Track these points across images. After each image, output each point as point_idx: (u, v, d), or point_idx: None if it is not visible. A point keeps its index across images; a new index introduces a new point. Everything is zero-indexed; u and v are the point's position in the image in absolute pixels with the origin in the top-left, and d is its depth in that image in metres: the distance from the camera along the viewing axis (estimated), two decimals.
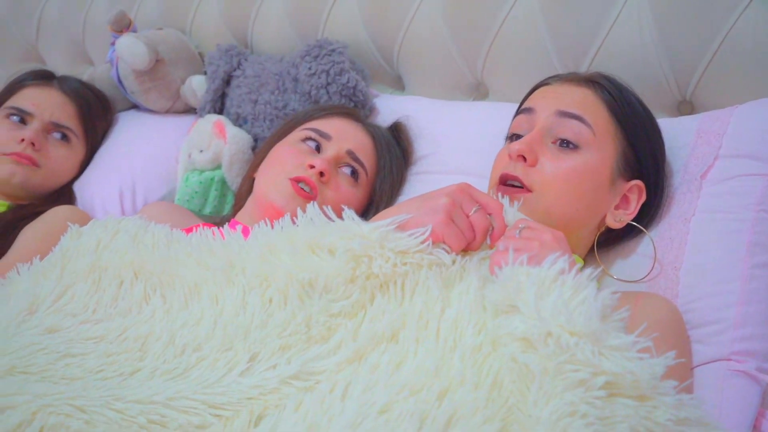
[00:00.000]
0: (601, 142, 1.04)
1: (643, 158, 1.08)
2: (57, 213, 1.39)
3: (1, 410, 0.82)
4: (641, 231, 1.09)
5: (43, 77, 1.64)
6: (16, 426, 0.80)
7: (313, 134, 1.30)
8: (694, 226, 1.06)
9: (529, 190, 1.02)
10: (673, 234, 1.07)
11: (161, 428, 0.82)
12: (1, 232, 1.34)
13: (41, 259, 1.05)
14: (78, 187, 1.59)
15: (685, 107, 1.30)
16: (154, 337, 0.91)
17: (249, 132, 1.57)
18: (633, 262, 1.09)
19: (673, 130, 1.18)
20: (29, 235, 1.31)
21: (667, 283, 1.04)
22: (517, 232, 0.87)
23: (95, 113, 1.65)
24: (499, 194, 1.00)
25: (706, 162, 1.11)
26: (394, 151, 1.37)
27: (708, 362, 0.97)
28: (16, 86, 1.61)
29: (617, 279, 1.08)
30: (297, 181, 1.22)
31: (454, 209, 0.87)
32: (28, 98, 1.56)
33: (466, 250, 0.90)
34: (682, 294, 1.02)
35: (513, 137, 1.11)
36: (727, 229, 1.05)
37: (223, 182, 1.54)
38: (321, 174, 1.23)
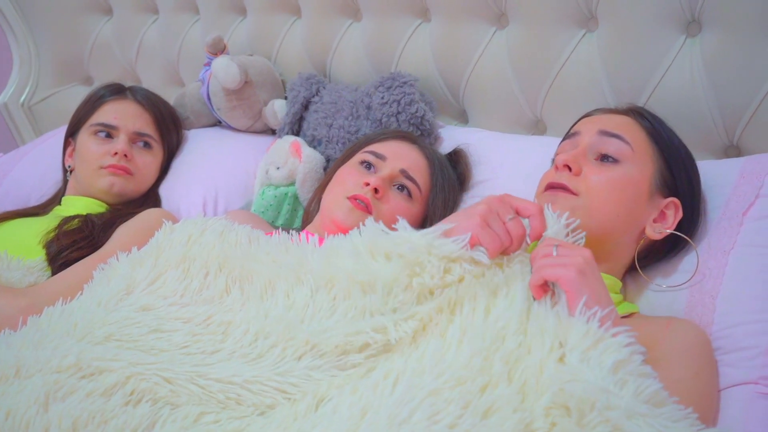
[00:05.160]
0: (639, 158, 1.14)
1: (679, 179, 1.16)
2: (150, 213, 1.53)
3: (100, 371, 0.95)
4: (681, 249, 1.17)
5: (117, 91, 1.73)
6: (111, 386, 0.93)
7: (370, 157, 1.41)
8: (733, 259, 1.12)
9: (575, 194, 1.11)
10: (712, 265, 1.13)
11: (237, 404, 0.94)
12: (102, 228, 1.47)
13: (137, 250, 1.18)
14: (165, 193, 1.72)
15: (732, 151, 1.36)
16: (234, 325, 1.02)
17: (323, 153, 1.69)
18: (674, 279, 1.16)
19: (718, 169, 1.25)
20: (125, 230, 1.45)
21: (704, 311, 1.10)
22: (554, 249, 0.92)
23: (167, 116, 1.77)
24: (546, 206, 1.03)
25: (747, 200, 1.18)
26: (447, 171, 1.47)
27: (736, 385, 1.02)
28: (95, 103, 1.70)
29: (665, 287, 1.15)
30: (354, 198, 1.34)
31: (490, 215, 0.94)
32: (110, 113, 1.67)
33: (503, 254, 0.97)
34: (717, 321, 1.08)
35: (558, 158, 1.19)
36: (766, 262, 1.11)
37: (295, 197, 1.66)
38: (375, 191, 1.34)
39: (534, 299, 0.94)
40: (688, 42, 1.35)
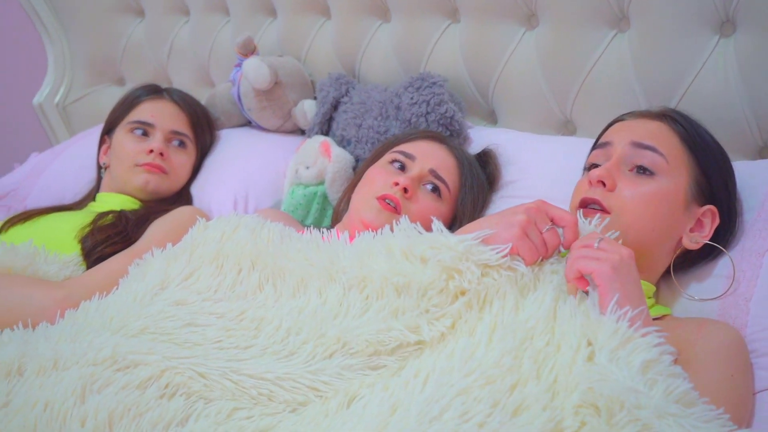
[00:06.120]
0: (674, 169, 1.12)
1: (715, 185, 1.14)
2: (184, 211, 1.55)
3: (135, 365, 0.97)
4: (717, 255, 1.15)
5: (154, 91, 1.77)
6: (146, 379, 0.95)
7: (399, 156, 1.42)
8: None
9: (608, 212, 1.09)
10: (746, 267, 1.12)
11: (269, 400, 0.95)
12: (135, 224, 1.50)
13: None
14: (196, 191, 1.75)
15: (766, 152, 1.35)
16: (267, 321, 1.04)
17: (352, 153, 1.70)
18: (708, 284, 1.15)
19: (752, 170, 1.24)
20: (160, 227, 1.47)
21: (738, 313, 1.09)
22: (596, 242, 0.93)
23: (201, 117, 1.80)
24: (579, 212, 1.06)
25: None
26: (476, 171, 1.47)
27: None
28: (132, 102, 1.74)
29: (697, 299, 1.14)
30: (383, 198, 1.34)
31: (530, 226, 0.96)
32: (147, 111, 1.70)
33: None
34: (751, 324, 1.07)
35: (591, 167, 1.19)
36: None
37: (324, 197, 1.67)
38: (405, 190, 1.34)
39: (568, 293, 0.94)
40: (721, 42, 1.33)
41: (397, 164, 1.41)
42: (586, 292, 0.93)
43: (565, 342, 0.88)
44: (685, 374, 0.82)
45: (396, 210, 1.33)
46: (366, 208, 1.36)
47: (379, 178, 1.39)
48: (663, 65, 1.39)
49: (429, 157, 1.42)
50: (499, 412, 0.81)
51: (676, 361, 0.84)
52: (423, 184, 1.39)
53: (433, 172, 1.40)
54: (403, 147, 1.45)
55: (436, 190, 1.40)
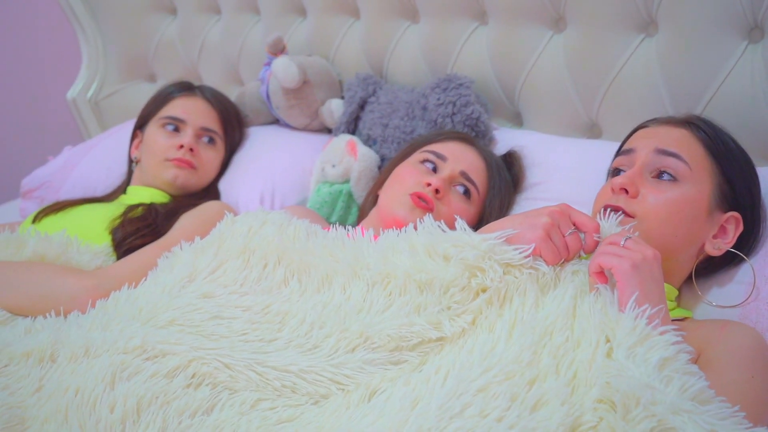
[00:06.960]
0: (697, 177, 1.12)
1: (739, 192, 1.14)
2: (212, 205, 1.59)
3: (163, 354, 0.99)
4: (739, 261, 1.15)
5: (187, 88, 1.81)
6: (174, 368, 0.97)
7: (431, 156, 1.43)
8: None
9: (631, 217, 1.10)
10: None
11: (292, 392, 0.97)
12: (165, 217, 1.54)
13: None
14: (224, 187, 1.78)
15: None
16: (291, 315, 1.06)
17: (377, 152, 1.72)
18: (729, 290, 1.15)
19: None
20: (188, 220, 1.50)
21: (758, 318, 1.10)
22: (623, 240, 0.95)
23: (232, 114, 1.83)
24: (600, 211, 1.07)
25: None
26: (504, 173, 1.48)
27: None
28: (165, 98, 1.77)
29: (715, 305, 1.15)
30: (416, 195, 1.35)
31: (553, 229, 0.98)
32: (179, 107, 1.74)
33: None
34: None
35: (615, 172, 1.20)
36: None
37: (349, 195, 1.69)
38: (436, 191, 1.36)
39: (589, 287, 0.96)
40: (749, 48, 1.33)
41: (428, 164, 1.42)
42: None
43: (585, 338, 0.90)
44: (701, 373, 0.83)
45: (428, 208, 1.34)
46: (398, 205, 1.37)
47: (410, 177, 1.40)
48: (690, 70, 1.39)
49: (460, 158, 1.43)
50: (518, 406, 0.82)
51: (695, 361, 0.85)
52: (454, 186, 1.41)
53: (464, 174, 1.41)
54: (433, 147, 1.46)
55: (467, 192, 1.41)
